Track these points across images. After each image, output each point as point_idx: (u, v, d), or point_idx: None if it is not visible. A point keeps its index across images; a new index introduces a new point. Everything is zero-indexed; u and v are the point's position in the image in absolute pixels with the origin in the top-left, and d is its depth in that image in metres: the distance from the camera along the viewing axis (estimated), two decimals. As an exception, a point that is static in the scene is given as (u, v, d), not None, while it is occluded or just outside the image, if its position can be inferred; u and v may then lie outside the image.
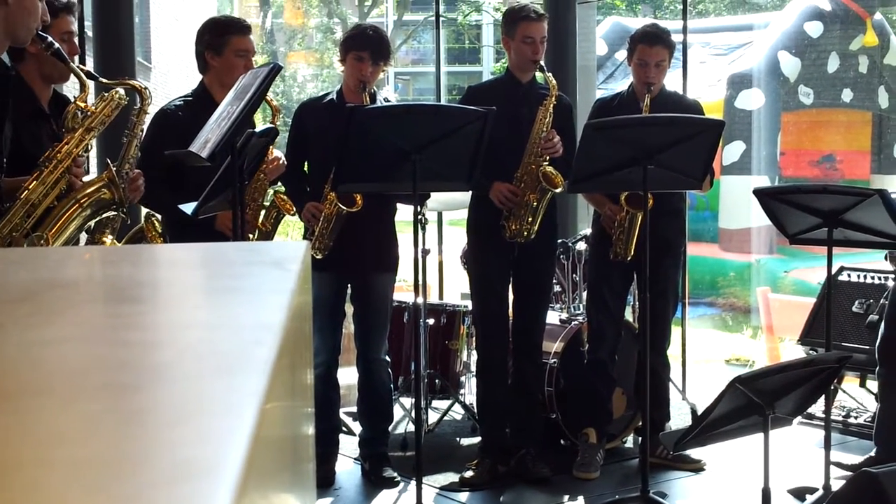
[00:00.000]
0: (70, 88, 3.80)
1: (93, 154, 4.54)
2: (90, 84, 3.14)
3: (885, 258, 5.11)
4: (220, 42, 4.18)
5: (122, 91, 3.17)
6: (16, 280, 1.19)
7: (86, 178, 3.11)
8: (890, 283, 5.14)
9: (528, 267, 4.75)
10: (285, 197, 4.26)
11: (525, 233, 4.57)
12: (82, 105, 3.08)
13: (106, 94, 3.13)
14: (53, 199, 2.93)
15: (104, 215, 3.06)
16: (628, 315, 5.38)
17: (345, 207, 4.34)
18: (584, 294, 5.35)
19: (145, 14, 16.83)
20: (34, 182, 2.91)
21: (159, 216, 3.69)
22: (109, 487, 0.52)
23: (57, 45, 3.02)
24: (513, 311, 4.88)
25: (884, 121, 12.94)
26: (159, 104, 4.42)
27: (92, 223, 3.10)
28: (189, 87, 4.44)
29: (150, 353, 0.81)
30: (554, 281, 5.13)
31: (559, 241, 5.17)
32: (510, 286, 4.86)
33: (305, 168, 4.70)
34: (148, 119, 3.55)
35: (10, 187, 2.91)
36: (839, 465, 4.33)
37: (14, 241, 2.83)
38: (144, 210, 4.07)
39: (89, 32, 5.51)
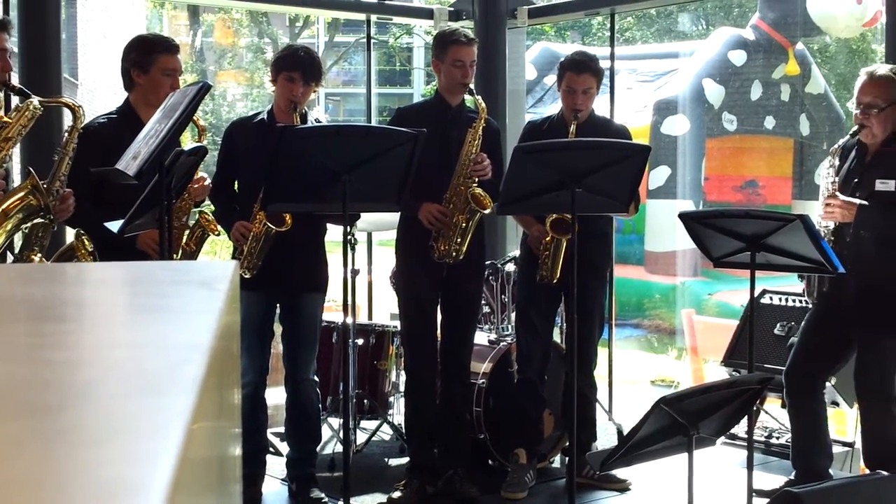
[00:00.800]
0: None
1: (16, 165, 4.46)
2: (13, 98, 3.09)
3: (802, 292, 5.20)
4: (147, 60, 4.14)
5: (35, 101, 3.13)
6: (-64, 298, 1.17)
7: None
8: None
9: (456, 288, 4.77)
10: (210, 217, 4.22)
11: (454, 253, 4.59)
12: None
13: (21, 105, 3.08)
14: None
15: (32, 222, 3.01)
16: (556, 336, 5.42)
17: (274, 227, 4.32)
18: (513, 315, 5.38)
19: (73, 30, 16.59)
20: None
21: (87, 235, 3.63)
22: (33, 508, 0.51)
23: None
24: (441, 332, 4.89)
25: (805, 147, 13.24)
26: (85, 121, 4.36)
27: (17, 239, 3.05)
28: (116, 104, 4.38)
29: (74, 372, 0.80)
30: (483, 302, 5.16)
31: (488, 262, 5.20)
32: (439, 307, 4.87)
33: (235, 187, 4.67)
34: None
35: None
36: (760, 492, 4.40)
37: None
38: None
39: (14, 48, 5.42)
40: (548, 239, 4.69)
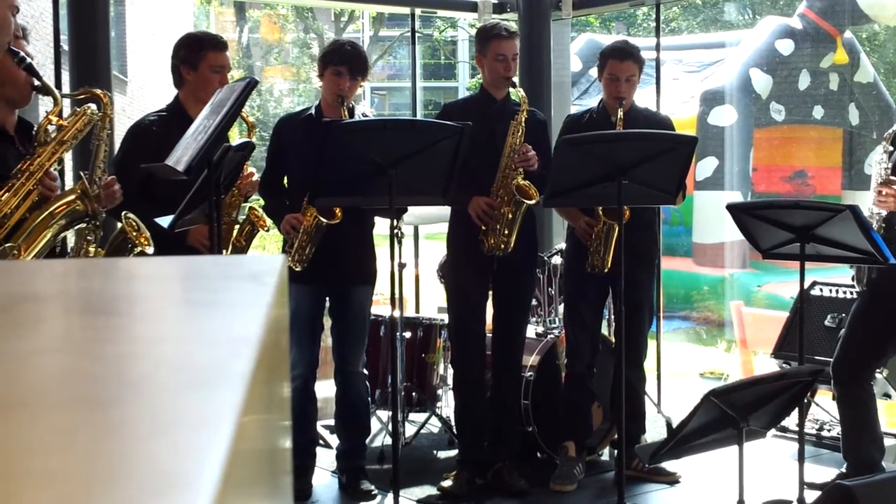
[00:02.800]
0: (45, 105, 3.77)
1: (68, 168, 4.51)
2: (60, 101, 3.11)
3: (852, 279, 5.13)
4: (196, 57, 4.18)
5: (93, 107, 3.15)
6: (-10, 293, 1.18)
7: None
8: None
9: (508, 281, 4.77)
10: (259, 212, 4.25)
11: (502, 245, 4.59)
12: (54, 119, 3.06)
13: (78, 109, 3.11)
14: (26, 211, 2.92)
15: (76, 227, 3.04)
16: (604, 329, 5.40)
17: (325, 220, 4.34)
18: (560, 308, 5.37)
19: (121, 28, 16.77)
20: (6, 194, 2.89)
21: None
22: (85, 501, 0.51)
23: (29, 59, 3.00)
24: (492, 325, 4.90)
25: (854, 137, 13.06)
26: (135, 118, 4.42)
27: (70, 234, 3.08)
28: (164, 102, 4.43)
29: (125, 366, 0.81)
30: (530, 295, 5.15)
31: (535, 255, 5.19)
32: (488, 300, 4.87)
33: (284, 182, 4.70)
34: (119, 130, 3.54)
35: None
36: (812, 485, 4.35)
37: None
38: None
39: (65, 46, 5.50)
40: (599, 227, 4.67)
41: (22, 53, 2.97)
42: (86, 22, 5.37)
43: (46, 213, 2.94)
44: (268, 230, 4.37)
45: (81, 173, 3.10)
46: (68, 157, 3.89)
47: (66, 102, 3.25)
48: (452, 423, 5.26)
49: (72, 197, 3.00)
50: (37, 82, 3.10)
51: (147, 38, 18.19)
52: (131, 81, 17.30)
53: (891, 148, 4.45)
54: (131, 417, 0.66)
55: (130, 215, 3.24)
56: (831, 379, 4.65)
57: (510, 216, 4.58)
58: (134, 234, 3.22)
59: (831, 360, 4.74)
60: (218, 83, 4.04)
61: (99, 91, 3.25)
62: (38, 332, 0.96)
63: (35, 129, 3.12)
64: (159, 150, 3.65)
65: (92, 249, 3.12)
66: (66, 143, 3.05)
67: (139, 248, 3.20)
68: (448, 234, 4.97)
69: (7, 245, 2.82)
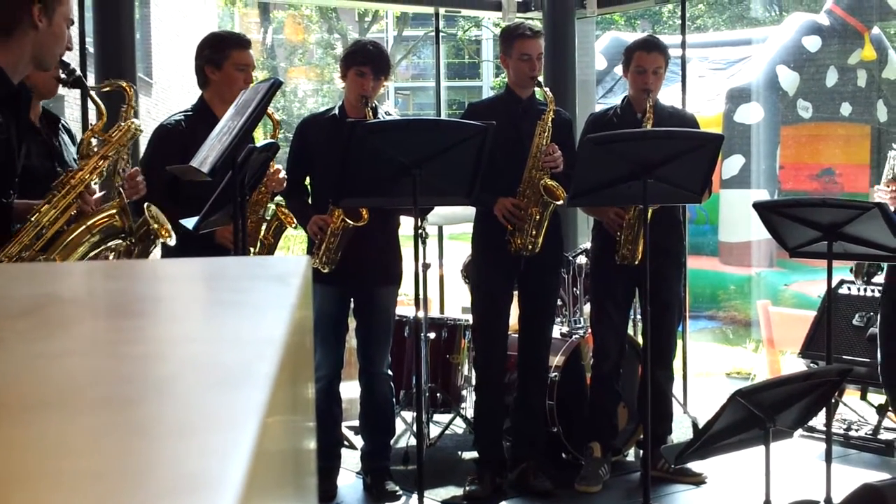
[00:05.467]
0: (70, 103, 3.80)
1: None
2: (104, 116, 3.12)
3: (850, 271, 5.08)
4: (220, 56, 4.19)
5: (136, 122, 3.17)
6: (17, 294, 1.19)
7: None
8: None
9: (535, 281, 4.76)
10: (287, 210, 4.26)
11: (530, 246, 4.58)
12: (98, 134, 3.09)
13: (122, 124, 3.12)
14: (63, 224, 2.94)
15: (111, 244, 3.05)
16: (631, 328, 5.38)
17: (351, 222, 4.35)
18: (585, 307, 5.36)
19: (146, 30, 16.87)
20: (46, 205, 2.92)
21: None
22: (112, 501, 0.52)
23: (79, 73, 3.04)
24: (518, 326, 4.89)
25: (882, 134, 12.95)
26: (160, 119, 4.43)
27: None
28: (189, 103, 4.44)
29: (151, 366, 0.81)
30: (554, 295, 5.14)
31: (558, 255, 5.18)
32: (514, 301, 4.87)
33: (307, 183, 4.71)
34: (145, 132, 3.55)
35: (21, 209, 2.92)
36: None
37: (26, 262, 2.83)
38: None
39: (91, 48, 5.53)
40: (630, 215, 4.65)
41: (72, 66, 3.01)
42: (111, 24, 5.41)
43: (83, 227, 2.96)
44: (295, 227, 4.38)
45: (120, 189, 3.12)
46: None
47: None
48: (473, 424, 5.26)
49: (110, 212, 3.01)
50: (63, 75, 3.13)
51: (172, 40, 18.29)
52: (156, 83, 17.40)
53: None
54: (157, 418, 0.66)
55: (152, 207, 3.25)
56: (882, 384, 4.62)
57: (537, 217, 4.57)
58: (155, 225, 3.23)
59: (860, 359, 4.71)
60: (243, 81, 4.06)
61: (124, 83, 3.27)
62: (65, 333, 0.97)
63: (78, 142, 3.15)
64: (185, 150, 3.66)
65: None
66: (108, 158, 3.07)
67: (161, 240, 3.21)
68: (473, 235, 4.97)
69: (42, 258, 2.84)
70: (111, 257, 3.09)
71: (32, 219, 2.89)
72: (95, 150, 3.07)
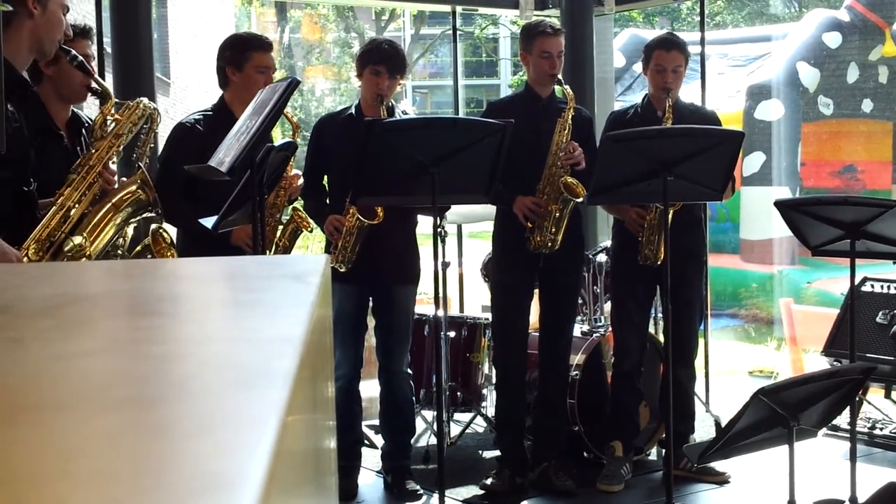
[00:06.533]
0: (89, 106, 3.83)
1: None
2: (112, 98, 3.16)
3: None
4: (242, 58, 4.20)
5: (145, 100, 3.21)
6: (37, 294, 1.19)
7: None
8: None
9: (555, 279, 4.76)
10: (303, 213, 4.27)
11: (549, 243, 4.57)
12: (108, 115, 3.12)
13: (131, 103, 3.17)
14: (88, 205, 2.97)
15: (142, 216, 3.09)
16: (652, 327, 5.36)
17: (366, 221, 4.35)
18: (606, 306, 5.34)
19: (164, 30, 16.94)
20: (68, 189, 2.95)
21: (169, 229, 3.69)
22: (131, 501, 0.51)
23: (81, 58, 3.05)
24: (539, 323, 4.88)
25: (904, 131, 12.86)
26: (177, 119, 4.44)
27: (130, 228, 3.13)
28: (208, 103, 4.46)
29: (171, 366, 0.81)
30: (574, 293, 5.12)
31: (579, 253, 5.16)
32: (533, 299, 4.86)
33: (325, 182, 4.72)
34: (163, 132, 3.58)
35: (44, 207, 2.94)
36: None
37: (56, 245, 2.85)
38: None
39: (108, 49, 5.55)
40: (651, 216, 4.64)
41: (73, 52, 3.02)
42: (129, 24, 5.42)
43: (109, 204, 2.99)
44: (311, 231, 4.38)
45: (140, 164, 3.16)
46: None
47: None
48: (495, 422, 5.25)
49: (133, 187, 3.05)
50: (94, 84, 3.16)
51: (189, 40, 18.36)
52: (174, 83, 17.46)
53: None
54: (176, 417, 0.66)
55: (163, 230, 3.27)
56: (887, 377, 4.58)
57: (557, 214, 4.56)
58: (161, 248, 3.25)
59: (884, 357, 4.67)
60: (263, 83, 4.06)
61: (151, 107, 3.27)
62: (84, 333, 0.97)
63: (90, 125, 3.18)
64: (203, 149, 3.67)
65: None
66: (122, 136, 3.12)
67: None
68: (494, 232, 4.96)
69: (75, 241, 2.86)
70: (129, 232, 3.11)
71: (57, 202, 2.92)
72: (109, 130, 3.10)
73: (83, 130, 3.53)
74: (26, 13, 2.72)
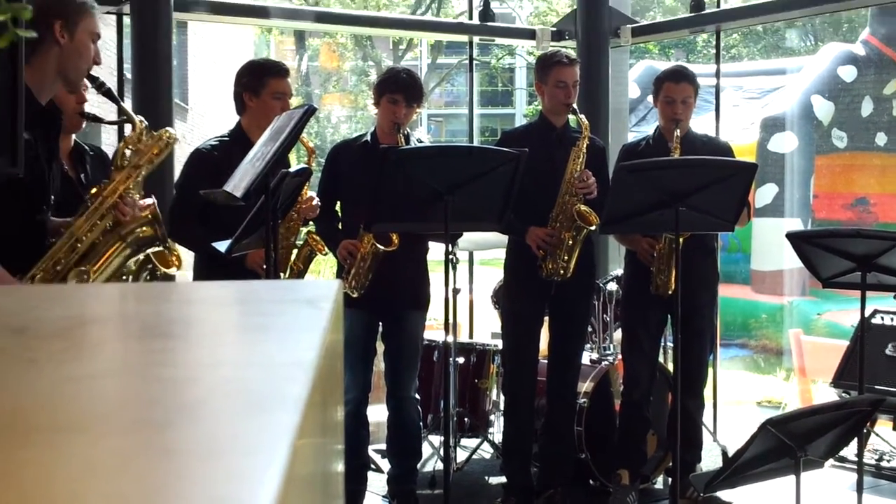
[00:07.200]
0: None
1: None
2: (140, 125, 3.11)
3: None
4: (259, 84, 4.22)
5: (171, 131, 3.16)
6: (50, 316, 1.20)
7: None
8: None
9: (566, 306, 4.75)
10: (318, 237, 4.28)
11: (561, 271, 4.58)
12: (131, 144, 3.08)
13: (156, 133, 3.11)
14: (98, 236, 2.95)
15: (148, 251, 3.06)
16: (662, 356, 5.35)
17: (382, 247, 4.36)
18: (615, 334, 5.33)
19: (183, 56, 17.03)
20: (80, 218, 2.93)
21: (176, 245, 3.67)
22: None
23: (108, 85, 3.04)
24: (548, 351, 4.88)
25: (918, 164, 12.83)
26: (195, 145, 4.47)
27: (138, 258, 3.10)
28: (225, 128, 4.48)
29: (182, 389, 0.82)
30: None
31: (589, 281, 5.17)
32: (543, 326, 4.86)
33: (337, 208, 4.73)
34: (180, 157, 3.57)
35: (56, 226, 2.94)
36: None
37: (61, 274, 2.84)
38: None
39: (128, 74, 5.59)
40: (661, 246, 4.64)
41: (101, 79, 3.02)
42: (149, 51, 5.47)
43: (117, 236, 2.97)
44: (325, 254, 4.39)
45: (152, 198, 3.13)
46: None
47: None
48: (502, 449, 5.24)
49: (141, 222, 3.02)
50: (87, 111, 3.15)
51: (208, 67, 18.45)
52: (192, 109, 17.55)
53: None
54: (187, 441, 0.66)
55: (176, 249, 3.25)
56: None
57: (570, 241, 4.57)
58: (166, 260, 3.22)
59: (892, 389, 4.64)
60: (279, 109, 4.08)
61: (174, 138, 3.23)
62: (96, 355, 0.98)
63: (114, 153, 3.16)
64: (219, 174, 3.68)
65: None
66: (141, 168, 3.06)
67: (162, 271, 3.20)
68: (506, 260, 4.97)
69: (79, 269, 2.85)
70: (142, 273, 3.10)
71: (67, 231, 2.90)
72: (129, 161, 3.07)
73: (86, 158, 3.54)
74: (53, 41, 2.71)
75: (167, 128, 3.17)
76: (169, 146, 3.13)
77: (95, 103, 3.61)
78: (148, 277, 3.17)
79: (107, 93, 3.05)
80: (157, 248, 3.08)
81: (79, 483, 0.57)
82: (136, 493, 0.56)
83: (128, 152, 3.07)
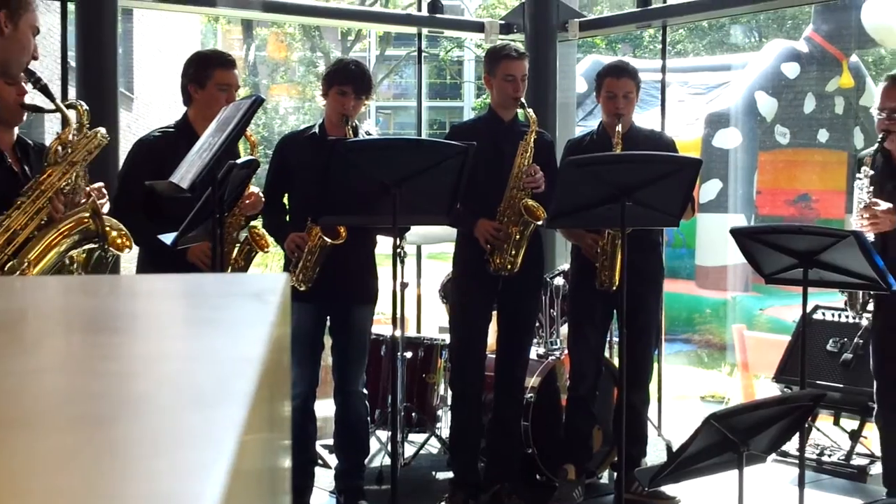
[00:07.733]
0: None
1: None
2: (73, 121, 3.11)
3: (844, 303, 5.12)
4: (204, 75, 4.19)
5: (103, 130, 3.16)
6: (-7, 309, 1.18)
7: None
8: (864, 322, 5.17)
9: (514, 301, 4.77)
10: (260, 233, 4.24)
11: (509, 266, 4.59)
12: (64, 141, 3.07)
13: (89, 132, 3.11)
14: (34, 230, 2.92)
15: (85, 247, 3.03)
16: (607, 351, 5.39)
17: (329, 240, 4.34)
18: (562, 329, 5.36)
19: (129, 45, 16.84)
20: (15, 211, 2.90)
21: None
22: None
23: (44, 81, 3.01)
24: (496, 345, 4.89)
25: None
26: (140, 134, 4.42)
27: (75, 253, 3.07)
28: (171, 118, 4.44)
29: (126, 384, 0.81)
30: (531, 316, 5.14)
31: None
32: (491, 321, 4.87)
33: (285, 200, 4.70)
34: (124, 147, 3.54)
35: None
36: None
37: None
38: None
39: (73, 62, 5.51)
40: (603, 242, 4.67)
41: (38, 74, 2.98)
42: (93, 38, 5.39)
43: (55, 231, 2.94)
44: (267, 251, 4.36)
45: (91, 193, 3.11)
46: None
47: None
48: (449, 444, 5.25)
49: (82, 216, 3.00)
50: (27, 101, 3.12)
51: (154, 56, 18.26)
52: (137, 98, 17.35)
53: (870, 171, 4.49)
54: (132, 436, 0.66)
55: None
56: (876, 408, 4.67)
57: (517, 236, 4.58)
58: (115, 240, 3.19)
59: (834, 384, 4.73)
60: (225, 101, 4.05)
61: (107, 139, 3.21)
62: (39, 349, 0.96)
63: (46, 148, 3.13)
64: (163, 166, 3.65)
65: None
66: (76, 164, 3.06)
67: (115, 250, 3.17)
68: (454, 254, 4.98)
69: (14, 262, 2.82)
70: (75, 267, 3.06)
71: (3, 224, 2.87)
72: (62, 156, 3.05)
73: (30, 153, 3.49)
74: None
75: (99, 128, 3.16)
76: (100, 147, 3.13)
77: (36, 93, 3.56)
78: (98, 259, 3.13)
79: (42, 88, 3.02)
80: (94, 244, 3.04)
81: (21, 479, 0.56)
82: (80, 488, 0.55)
83: (59, 149, 3.05)
